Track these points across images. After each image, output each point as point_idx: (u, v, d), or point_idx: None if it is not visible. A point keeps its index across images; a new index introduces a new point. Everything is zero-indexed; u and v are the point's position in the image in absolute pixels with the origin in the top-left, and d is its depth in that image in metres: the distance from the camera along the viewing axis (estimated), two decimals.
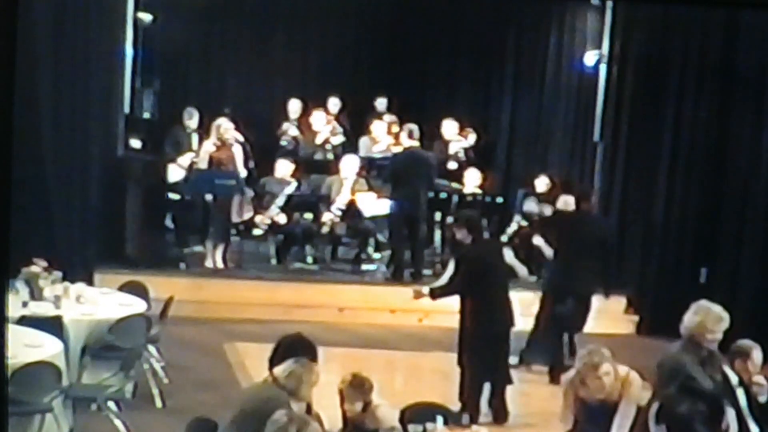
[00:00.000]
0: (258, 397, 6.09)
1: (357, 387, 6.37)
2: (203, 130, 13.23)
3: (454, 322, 9.89)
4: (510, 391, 9.15)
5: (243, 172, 12.91)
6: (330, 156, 14.60)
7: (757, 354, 7.20)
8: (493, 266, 8.99)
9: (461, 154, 14.75)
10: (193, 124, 13.47)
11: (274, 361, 6.42)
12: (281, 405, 5.85)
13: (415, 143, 13.04)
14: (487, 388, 9.00)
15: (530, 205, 13.28)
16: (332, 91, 15.67)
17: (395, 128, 14.88)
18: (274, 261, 13.35)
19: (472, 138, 15.04)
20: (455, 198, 13.41)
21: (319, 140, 14.76)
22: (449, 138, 14.81)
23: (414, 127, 13.10)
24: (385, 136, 14.90)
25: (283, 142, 14.86)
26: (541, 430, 8.85)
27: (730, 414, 6.17)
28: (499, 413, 8.98)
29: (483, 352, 8.86)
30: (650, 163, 13.25)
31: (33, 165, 10.63)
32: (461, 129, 14.99)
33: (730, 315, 8.99)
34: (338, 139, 14.95)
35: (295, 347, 6.54)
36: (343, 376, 6.48)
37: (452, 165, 14.50)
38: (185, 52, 16.69)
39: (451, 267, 9.26)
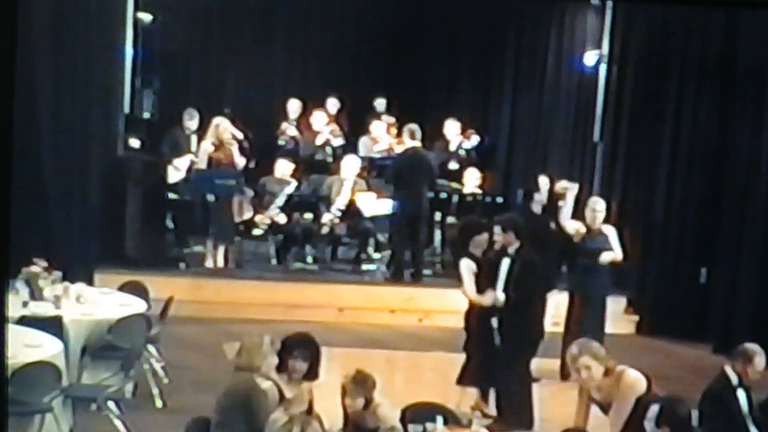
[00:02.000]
0: (228, 390, 6.27)
1: (359, 383, 6.38)
2: (202, 131, 13.23)
3: (454, 322, 9.89)
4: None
5: (241, 164, 12.90)
6: (329, 159, 14.60)
7: (759, 360, 7.20)
8: (538, 275, 8.88)
9: (463, 153, 14.75)
10: (193, 125, 13.46)
11: (280, 359, 6.49)
12: (249, 385, 6.04)
13: (417, 143, 13.04)
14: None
15: None
16: (331, 91, 15.67)
17: (394, 130, 14.90)
18: (274, 261, 13.34)
19: (474, 139, 15.04)
20: (455, 198, 13.41)
21: (319, 141, 14.75)
22: (451, 138, 14.82)
23: (416, 127, 13.09)
24: (385, 135, 14.90)
25: (281, 142, 14.85)
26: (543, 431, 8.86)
27: None
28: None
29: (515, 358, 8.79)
30: (650, 163, 13.26)
31: (33, 165, 10.62)
32: (464, 130, 14.99)
33: (730, 315, 9.02)
34: (339, 141, 14.95)
35: (297, 345, 6.57)
36: (346, 372, 6.49)
37: (454, 165, 14.50)
38: (185, 52, 16.70)
39: (465, 267, 8.91)
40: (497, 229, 8.81)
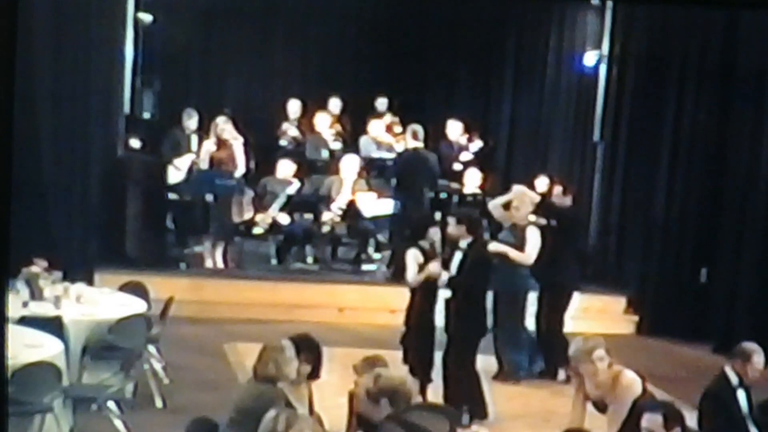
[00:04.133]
0: (250, 395, 6.16)
1: (370, 360, 6.40)
2: (203, 131, 13.24)
3: None
4: (510, 391, 9.13)
5: (242, 169, 12.91)
6: (329, 159, 14.60)
7: (758, 358, 7.20)
8: (489, 269, 8.98)
9: (468, 156, 14.76)
10: (192, 125, 13.45)
11: None
12: (275, 398, 5.92)
13: (420, 144, 13.05)
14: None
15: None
16: (332, 91, 15.67)
17: (398, 129, 14.89)
18: (274, 261, 13.34)
19: (478, 143, 15.04)
20: (455, 198, 13.42)
21: (324, 154, 14.73)
22: (453, 139, 14.83)
23: (418, 127, 13.10)
24: (386, 135, 14.90)
25: (283, 143, 14.85)
26: (540, 430, 8.87)
27: None
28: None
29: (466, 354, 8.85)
30: (650, 163, 13.26)
31: (33, 165, 10.62)
32: (467, 132, 14.99)
33: (730, 315, 8.95)
34: (338, 145, 14.96)
35: (301, 347, 6.55)
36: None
37: (457, 167, 14.50)
38: (185, 52, 16.69)
39: (411, 257, 8.99)
40: (451, 220, 8.91)
